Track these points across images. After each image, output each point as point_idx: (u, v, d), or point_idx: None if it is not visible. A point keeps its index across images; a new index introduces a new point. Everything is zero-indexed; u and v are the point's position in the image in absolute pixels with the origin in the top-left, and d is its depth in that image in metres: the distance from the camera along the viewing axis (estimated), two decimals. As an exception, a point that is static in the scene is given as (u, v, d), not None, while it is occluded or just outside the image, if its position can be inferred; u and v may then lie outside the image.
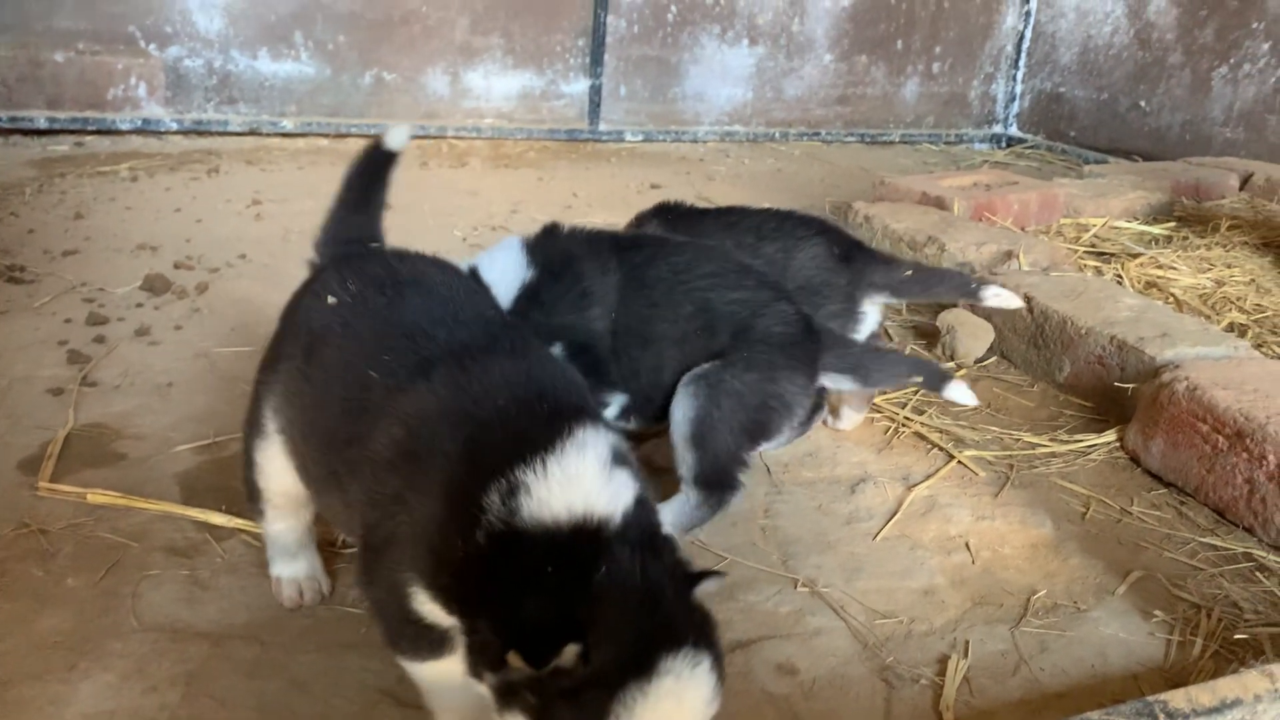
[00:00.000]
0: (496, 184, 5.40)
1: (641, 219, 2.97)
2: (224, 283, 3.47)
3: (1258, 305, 3.78)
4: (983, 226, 3.94)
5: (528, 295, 2.27)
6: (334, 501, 1.61)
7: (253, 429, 1.80)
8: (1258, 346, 3.41)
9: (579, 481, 1.29)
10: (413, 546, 1.36)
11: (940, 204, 4.25)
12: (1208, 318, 3.61)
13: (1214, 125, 6.70)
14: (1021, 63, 7.94)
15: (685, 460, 2.20)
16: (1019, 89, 8.03)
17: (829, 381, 2.36)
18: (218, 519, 2.14)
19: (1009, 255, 3.57)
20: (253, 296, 3.34)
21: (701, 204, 5.18)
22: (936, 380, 2.38)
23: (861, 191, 5.85)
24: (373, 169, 1.97)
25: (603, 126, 6.77)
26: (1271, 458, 2.30)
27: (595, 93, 6.71)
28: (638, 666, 1.17)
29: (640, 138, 6.87)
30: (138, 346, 2.96)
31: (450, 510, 1.32)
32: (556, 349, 2.24)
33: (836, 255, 2.70)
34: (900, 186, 4.40)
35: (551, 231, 2.41)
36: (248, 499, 1.90)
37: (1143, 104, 7.14)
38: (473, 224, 4.50)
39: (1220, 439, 2.43)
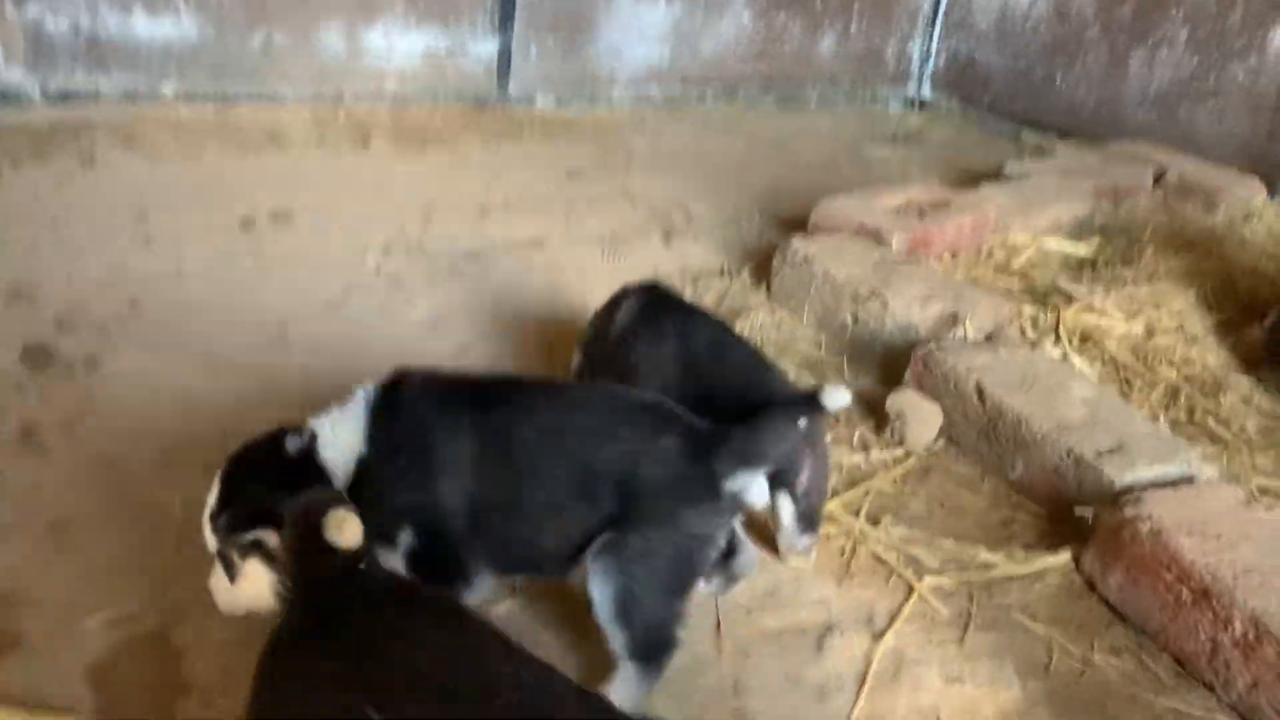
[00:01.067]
0: (404, 174, 5.04)
1: (622, 295, 2.87)
2: (116, 354, 3.09)
3: (1186, 359, 3.83)
4: (923, 274, 3.84)
5: (366, 473, 2.07)
6: None
7: None
8: (1189, 413, 3.49)
9: None
10: None
11: (878, 236, 4.13)
12: (1143, 376, 3.64)
13: (1129, 106, 6.69)
14: (938, 24, 7.76)
15: (617, 639, 2.07)
16: (934, 47, 7.85)
17: (735, 486, 2.13)
18: (142, 737, 1.92)
19: (954, 319, 3.49)
20: (151, 373, 3.00)
21: (625, 201, 5.04)
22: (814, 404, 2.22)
23: (784, 174, 5.73)
24: None
25: (513, 89, 6.37)
26: (1238, 625, 2.29)
27: (505, 52, 6.29)
28: None
29: (553, 102, 6.50)
30: (22, 460, 2.61)
31: None
32: (404, 535, 2.07)
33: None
34: (836, 216, 4.26)
35: (397, 388, 2.16)
36: None
37: (1058, 77, 7.09)
38: (385, 242, 4.17)
39: (1185, 591, 2.41)
